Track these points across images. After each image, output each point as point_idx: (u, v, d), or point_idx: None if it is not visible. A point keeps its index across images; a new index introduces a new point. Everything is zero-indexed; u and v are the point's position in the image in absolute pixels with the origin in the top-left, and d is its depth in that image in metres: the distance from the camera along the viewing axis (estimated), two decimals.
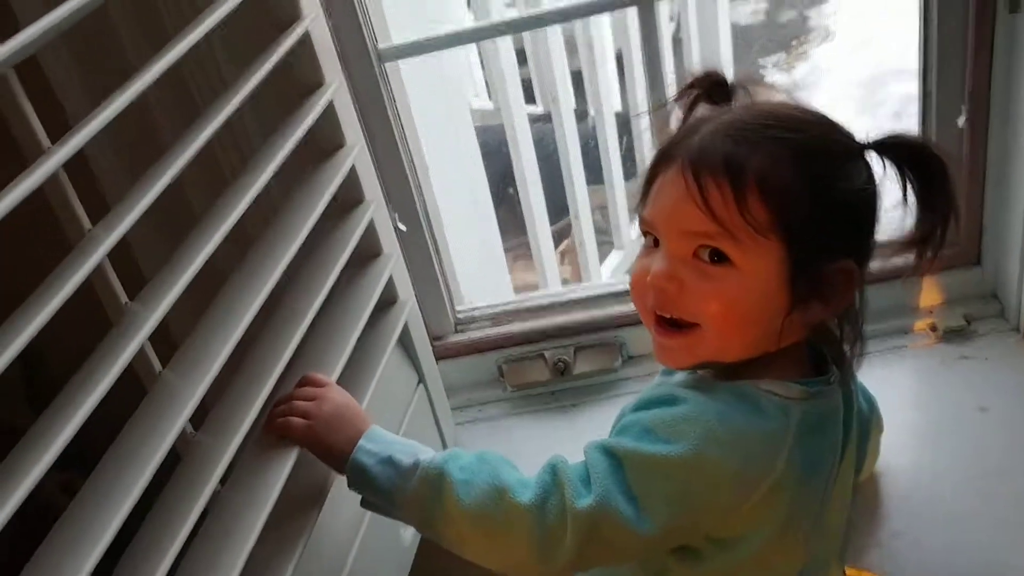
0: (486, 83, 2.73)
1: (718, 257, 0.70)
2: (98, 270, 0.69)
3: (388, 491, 0.76)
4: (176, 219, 0.89)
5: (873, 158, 0.72)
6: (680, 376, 0.79)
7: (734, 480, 0.70)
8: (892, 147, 0.72)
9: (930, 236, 0.72)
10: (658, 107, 0.83)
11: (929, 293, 1.32)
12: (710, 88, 0.79)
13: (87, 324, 0.72)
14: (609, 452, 0.71)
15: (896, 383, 1.26)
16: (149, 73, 0.72)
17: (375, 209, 1.04)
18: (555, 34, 1.95)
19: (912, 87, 1.28)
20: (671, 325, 0.73)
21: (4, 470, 0.57)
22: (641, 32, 1.20)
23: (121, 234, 0.68)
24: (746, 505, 0.70)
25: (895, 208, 0.73)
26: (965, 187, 1.25)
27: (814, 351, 0.79)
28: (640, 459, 0.70)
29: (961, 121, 1.21)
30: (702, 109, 0.79)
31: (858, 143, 0.72)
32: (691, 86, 0.80)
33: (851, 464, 0.83)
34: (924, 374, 1.26)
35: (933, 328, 1.30)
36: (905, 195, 0.72)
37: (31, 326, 0.58)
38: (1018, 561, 1.00)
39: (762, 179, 0.68)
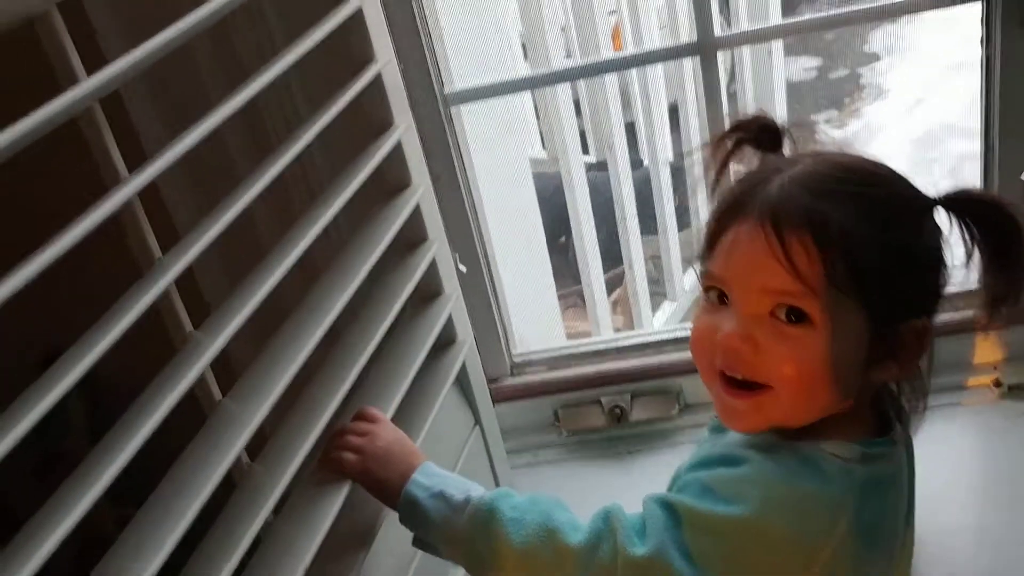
0: (540, 133, 2.76)
1: (797, 317, 0.66)
2: (165, 298, 0.70)
3: (438, 525, 0.75)
4: (244, 251, 0.91)
5: (941, 213, 0.69)
6: (735, 434, 0.76)
7: (794, 545, 0.67)
8: (964, 203, 0.68)
9: (1002, 297, 0.68)
10: (704, 147, 0.80)
11: (992, 348, 1.30)
12: (758, 133, 0.76)
13: (152, 356, 0.73)
14: (668, 506, 0.69)
15: (959, 439, 1.23)
16: (226, 107, 0.74)
17: (438, 248, 1.05)
18: (612, 84, 1.98)
19: (966, 145, 1.28)
20: (741, 386, 0.70)
21: (57, 496, 0.57)
22: (704, 79, 1.21)
23: (187, 263, 0.70)
24: (807, 571, 0.68)
25: (962, 266, 0.69)
26: None
27: (876, 410, 0.76)
28: (699, 517, 0.68)
29: None
30: (747, 155, 0.77)
31: (929, 198, 0.69)
32: (738, 128, 0.77)
33: (913, 523, 0.80)
34: (989, 431, 1.24)
35: (997, 384, 1.27)
36: (971, 253, 0.68)
37: (94, 351, 0.59)
38: None
39: (846, 236, 0.65)
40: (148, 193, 0.68)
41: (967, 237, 0.68)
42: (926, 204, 0.69)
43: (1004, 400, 1.26)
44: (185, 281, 0.71)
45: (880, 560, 0.72)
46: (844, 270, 0.65)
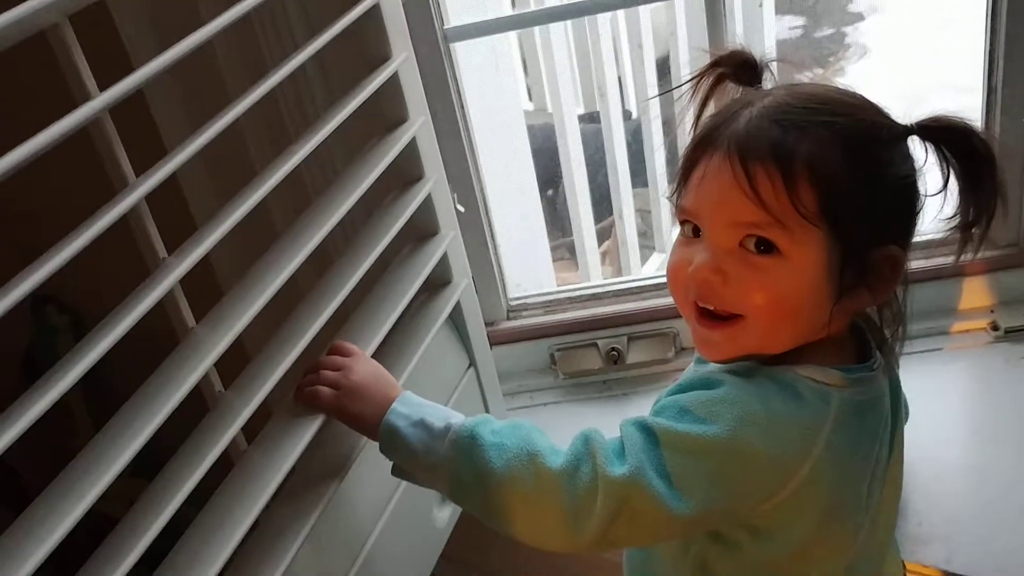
0: (527, 87, 2.74)
1: (765, 247, 0.67)
2: (169, 296, 0.72)
3: (419, 453, 0.75)
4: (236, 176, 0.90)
5: (916, 142, 0.70)
6: (716, 364, 0.78)
7: (769, 465, 0.68)
8: (936, 130, 0.69)
9: (974, 223, 0.70)
10: (680, 85, 0.79)
11: (990, 292, 1.30)
12: (738, 68, 0.76)
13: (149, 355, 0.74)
14: (646, 428, 0.70)
15: (957, 381, 1.24)
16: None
17: (435, 185, 1.03)
18: (605, 30, 1.96)
19: (953, 101, 1.27)
20: (714, 317, 0.71)
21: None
22: (708, 19, 1.19)
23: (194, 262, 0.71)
24: (783, 492, 0.69)
25: (937, 193, 0.71)
26: None
27: (857, 338, 0.77)
28: (676, 437, 0.68)
29: None
30: (729, 90, 0.77)
31: (903, 126, 0.70)
32: (718, 63, 0.77)
33: (900, 454, 0.81)
34: (987, 372, 1.24)
35: (994, 327, 1.28)
36: (946, 179, 0.69)
37: (100, 346, 0.61)
38: None
39: (812, 166, 0.66)
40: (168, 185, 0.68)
41: (942, 164, 0.69)
42: (898, 132, 0.70)
43: (1001, 343, 1.26)
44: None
45: (856, 484, 0.73)
46: (810, 200, 0.66)
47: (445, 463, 0.73)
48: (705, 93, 0.77)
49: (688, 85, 0.78)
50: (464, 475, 0.72)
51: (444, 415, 0.76)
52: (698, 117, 0.78)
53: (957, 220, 0.70)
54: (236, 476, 0.76)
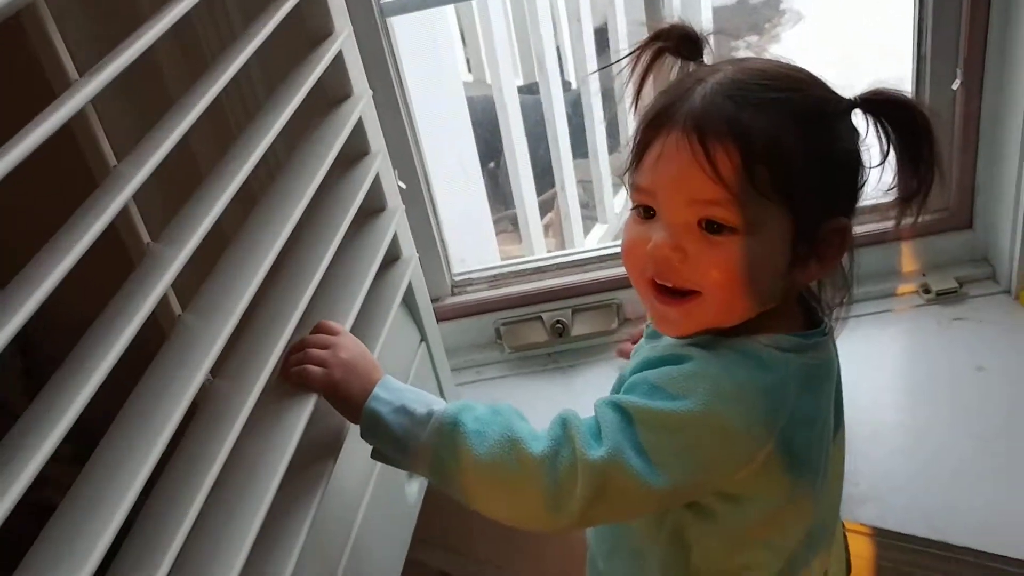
0: (466, 58, 2.73)
1: (722, 225, 0.68)
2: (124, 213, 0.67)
3: (401, 440, 0.75)
4: (182, 176, 0.87)
5: (858, 115, 0.72)
6: (671, 338, 0.78)
7: (743, 433, 0.69)
8: (879, 103, 0.71)
9: (914, 194, 0.72)
10: (619, 60, 0.80)
11: (921, 256, 1.34)
12: (678, 41, 0.76)
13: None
14: (620, 408, 0.71)
15: (891, 343, 1.28)
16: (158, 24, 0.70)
17: (381, 161, 1.03)
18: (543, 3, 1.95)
19: (886, 67, 1.30)
20: (671, 293, 0.72)
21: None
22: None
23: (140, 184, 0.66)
24: (756, 460, 0.70)
25: (878, 165, 0.72)
26: (958, 151, 1.27)
27: (803, 306, 0.79)
28: (650, 415, 0.69)
29: (956, 85, 1.23)
30: (667, 64, 0.77)
31: (847, 100, 0.71)
32: (657, 37, 0.77)
33: (843, 424, 0.83)
34: (920, 335, 1.28)
35: (926, 290, 1.32)
36: (886, 152, 0.71)
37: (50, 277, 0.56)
38: (1016, 518, 1.01)
39: (769, 143, 0.67)
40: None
41: (882, 136, 0.71)
42: (844, 106, 0.71)
43: (933, 305, 1.30)
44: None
45: (818, 446, 0.76)
46: (768, 177, 0.67)
47: (428, 450, 0.73)
48: (645, 67, 0.77)
49: (628, 60, 0.78)
50: (447, 461, 0.73)
51: (425, 401, 0.76)
52: (638, 92, 0.78)
53: (896, 191, 0.72)
54: (237, 466, 0.73)
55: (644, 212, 0.72)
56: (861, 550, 1.05)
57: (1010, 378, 1.18)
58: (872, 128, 0.71)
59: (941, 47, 1.22)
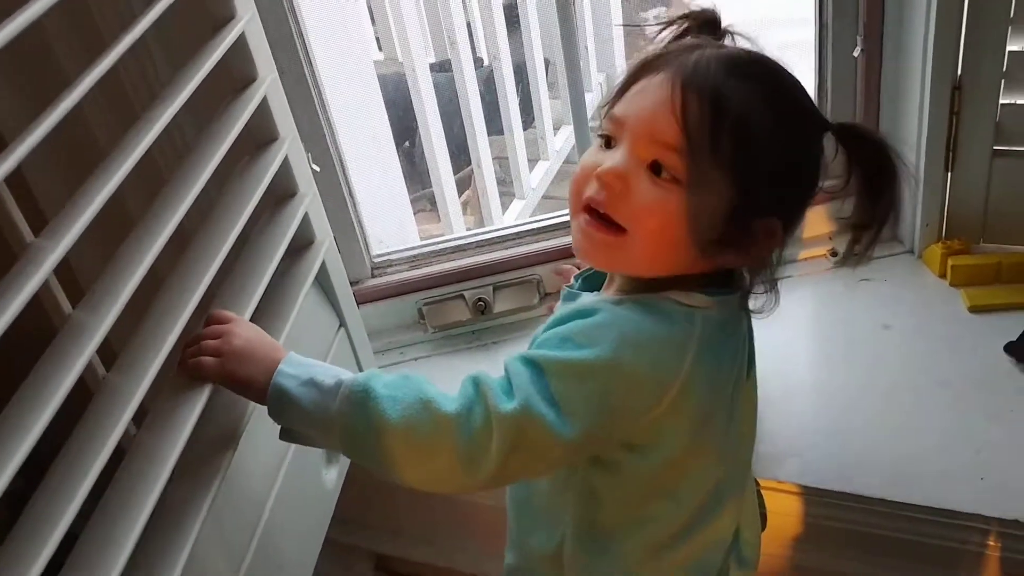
0: (376, 37, 2.70)
1: (671, 172, 0.71)
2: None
3: (311, 413, 0.74)
4: (81, 160, 0.85)
5: (830, 139, 0.75)
6: (586, 297, 0.82)
7: (648, 380, 0.72)
8: (853, 136, 0.75)
9: (865, 226, 0.76)
10: (647, 24, 0.83)
11: (825, 220, 1.37)
12: (703, 24, 0.81)
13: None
14: (529, 361, 0.72)
15: (803, 306, 1.31)
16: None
17: (290, 145, 1.01)
18: None
19: (787, 34, 1.33)
20: (601, 220, 0.74)
21: None
22: None
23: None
24: (658, 408, 0.73)
25: (836, 192, 0.75)
26: (860, 116, 1.31)
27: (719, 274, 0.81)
28: (560, 365, 0.71)
29: (856, 51, 1.26)
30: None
31: (826, 121, 0.75)
32: (688, 16, 0.81)
33: (755, 378, 0.86)
34: (828, 297, 1.32)
35: (833, 253, 1.35)
36: (847, 180, 0.75)
37: None
38: (923, 467, 1.05)
39: (743, 116, 0.69)
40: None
41: (848, 166, 0.75)
42: (822, 125, 0.75)
43: (840, 268, 1.34)
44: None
45: (722, 396, 0.79)
46: (729, 147, 0.70)
47: (339, 419, 0.73)
48: (672, 38, 0.81)
49: (657, 29, 0.82)
50: (359, 429, 0.73)
51: (333, 372, 0.76)
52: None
53: (851, 217, 0.76)
54: (131, 461, 0.73)
55: (606, 143, 0.75)
56: (782, 507, 1.08)
57: (914, 335, 1.23)
58: (841, 156, 0.75)
59: (842, 14, 1.25)
